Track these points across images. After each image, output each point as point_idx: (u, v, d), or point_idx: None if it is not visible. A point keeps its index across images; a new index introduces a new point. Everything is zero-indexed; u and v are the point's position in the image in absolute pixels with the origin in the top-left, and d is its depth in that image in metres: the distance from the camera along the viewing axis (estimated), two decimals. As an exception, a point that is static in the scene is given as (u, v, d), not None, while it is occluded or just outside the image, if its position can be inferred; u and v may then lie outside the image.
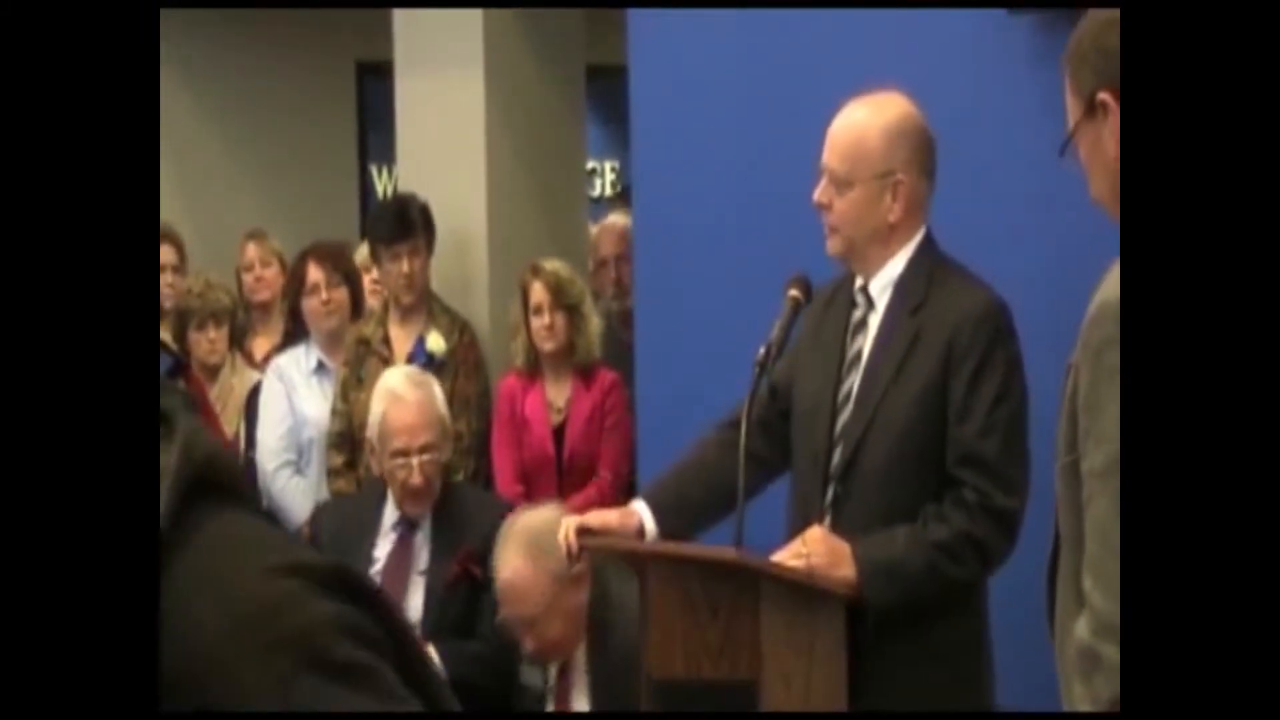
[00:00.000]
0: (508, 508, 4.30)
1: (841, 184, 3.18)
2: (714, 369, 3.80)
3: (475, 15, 5.72)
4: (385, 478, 4.36)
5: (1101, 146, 2.32)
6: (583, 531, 3.30)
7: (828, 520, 3.15)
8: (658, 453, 3.92)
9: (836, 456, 3.17)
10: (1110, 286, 2.18)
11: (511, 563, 3.80)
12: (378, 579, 4.24)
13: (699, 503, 3.35)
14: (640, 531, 3.32)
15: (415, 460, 4.27)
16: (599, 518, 3.36)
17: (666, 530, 3.33)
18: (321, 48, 8.91)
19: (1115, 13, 2.27)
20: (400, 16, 5.95)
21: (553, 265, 5.09)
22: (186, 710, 1.14)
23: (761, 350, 3.23)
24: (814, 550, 3.05)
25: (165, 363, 4.80)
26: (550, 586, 3.73)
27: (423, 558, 4.32)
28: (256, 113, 8.79)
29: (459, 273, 5.61)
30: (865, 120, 3.20)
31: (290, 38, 8.83)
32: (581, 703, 3.89)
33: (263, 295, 6.16)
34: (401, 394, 4.36)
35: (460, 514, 4.35)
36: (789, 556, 3.06)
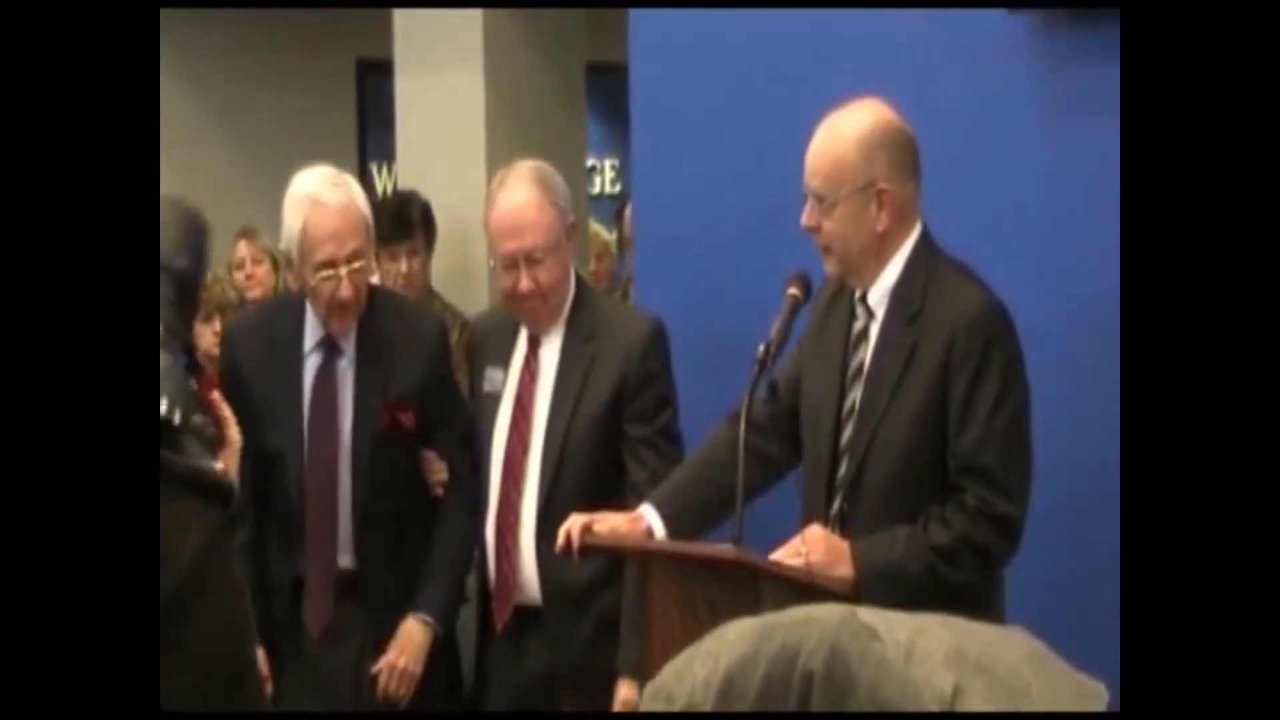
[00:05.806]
0: (436, 321, 4.12)
1: (826, 204, 3.16)
2: (714, 368, 3.79)
3: (475, 14, 5.72)
4: (308, 294, 3.86)
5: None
6: (587, 530, 3.30)
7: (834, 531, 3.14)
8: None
9: (841, 470, 3.17)
10: None
11: (521, 191, 3.68)
12: (306, 415, 3.84)
13: (707, 505, 3.33)
14: (648, 537, 3.32)
15: (344, 270, 3.77)
16: (606, 523, 3.34)
17: (675, 535, 3.31)
18: (321, 47, 8.91)
19: None
20: (400, 15, 5.95)
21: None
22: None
23: (761, 348, 3.22)
24: (813, 549, 3.04)
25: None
26: (557, 221, 3.69)
27: (347, 391, 3.86)
28: (256, 112, 8.78)
29: (460, 270, 5.61)
30: (837, 136, 3.17)
31: (290, 37, 8.83)
32: (543, 403, 3.72)
33: (254, 292, 6.18)
34: (322, 198, 3.83)
35: (387, 331, 3.88)
36: (788, 555, 3.05)
